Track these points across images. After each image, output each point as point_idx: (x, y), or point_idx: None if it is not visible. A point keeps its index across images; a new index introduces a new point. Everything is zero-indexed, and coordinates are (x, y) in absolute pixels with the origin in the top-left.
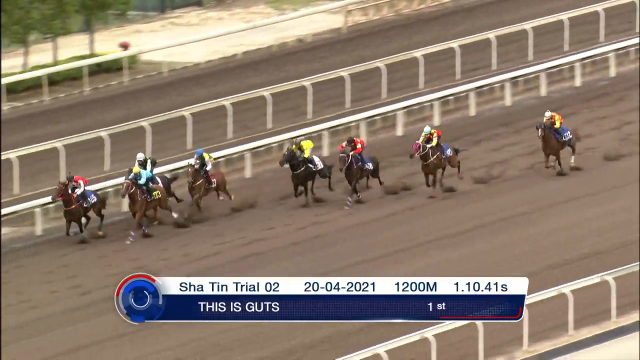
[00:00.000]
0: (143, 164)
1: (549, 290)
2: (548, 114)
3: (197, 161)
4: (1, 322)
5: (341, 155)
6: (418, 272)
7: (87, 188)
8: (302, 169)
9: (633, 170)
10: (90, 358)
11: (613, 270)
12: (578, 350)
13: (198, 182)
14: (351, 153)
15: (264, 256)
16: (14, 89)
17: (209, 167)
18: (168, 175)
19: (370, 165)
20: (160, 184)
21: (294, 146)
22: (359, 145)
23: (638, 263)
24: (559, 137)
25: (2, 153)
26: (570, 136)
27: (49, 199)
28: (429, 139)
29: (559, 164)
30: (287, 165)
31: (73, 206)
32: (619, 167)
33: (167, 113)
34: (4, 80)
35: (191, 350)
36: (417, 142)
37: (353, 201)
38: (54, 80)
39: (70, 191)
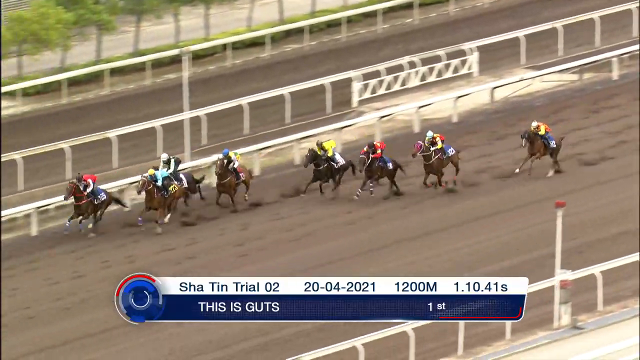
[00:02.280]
0: (167, 163)
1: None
2: (534, 123)
3: (224, 160)
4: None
5: (361, 157)
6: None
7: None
8: (325, 165)
9: None
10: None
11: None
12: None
13: (227, 179)
14: (372, 156)
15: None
16: None
17: (236, 165)
18: (197, 177)
19: (390, 166)
20: (185, 182)
21: (316, 147)
22: (379, 151)
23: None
24: (545, 142)
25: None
26: (555, 146)
27: None
28: (433, 142)
29: (549, 171)
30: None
31: (83, 201)
32: None
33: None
34: None
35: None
36: (419, 142)
37: (362, 193)
38: None
39: (82, 189)
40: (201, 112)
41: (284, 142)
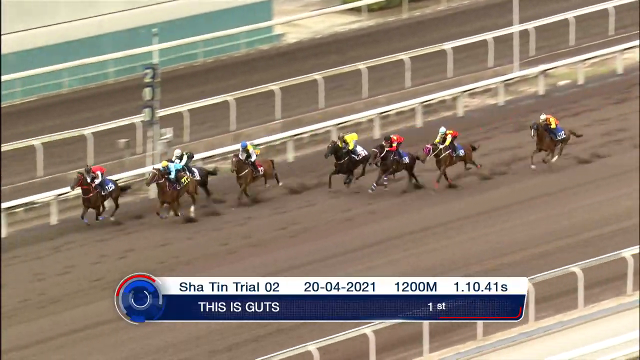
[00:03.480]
0: (180, 158)
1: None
2: (543, 116)
3: (243, 153)
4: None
5: (373, 150)
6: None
7: (105, 177)
8: (346, 159)
9: None
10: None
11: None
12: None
13: (244, 172)
14: (387, 149)
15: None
16: None
17: (253, 158)
18: (210, 169)
19: (406, 159)
20: (197, 175)
21: (339, 141)
22: (395, 144)
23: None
24: (553, 136)
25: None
26: (564, 136)
27: None
28: (443, 139)
29: (551, 159)
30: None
31: (91, 194)
32: None
33: None
34: None
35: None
36: (427, 145)
37: (377, 187)
38: None
39: (89, 180)
40: (529, 25)
41: (607, 53)
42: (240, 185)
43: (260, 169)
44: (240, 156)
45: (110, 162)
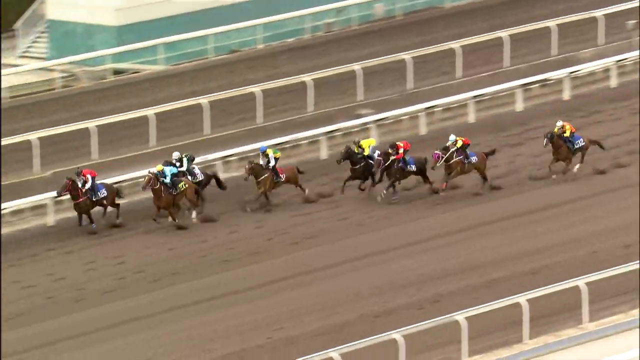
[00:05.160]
0: (179, 161)
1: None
2: (559, 123)
3: (263, 158)
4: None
5: (377, 158)
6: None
7: (97, 181)
8: (362, 164)
9: None
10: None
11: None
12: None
13: (263, 177)
14: (392, 158)
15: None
16: None
17: (272, 163)
18: (209, 172)
19: (413, 167)
20: (199, 177)
21: (354, 145)
22: (401, 151)
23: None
24: (570, 145)
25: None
26: (582, 144)
27: None
28: (454, 145)
29: (571, 169)
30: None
31: (81, 199)
32: None
33: None
34: None
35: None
36: (436, 152)
37: (387, 195)
38: None
39: (80, 185)
40: None
41: None
42: (259, 189)
43: (282, 175)
44: (261, 161)
45: (619, 42)
